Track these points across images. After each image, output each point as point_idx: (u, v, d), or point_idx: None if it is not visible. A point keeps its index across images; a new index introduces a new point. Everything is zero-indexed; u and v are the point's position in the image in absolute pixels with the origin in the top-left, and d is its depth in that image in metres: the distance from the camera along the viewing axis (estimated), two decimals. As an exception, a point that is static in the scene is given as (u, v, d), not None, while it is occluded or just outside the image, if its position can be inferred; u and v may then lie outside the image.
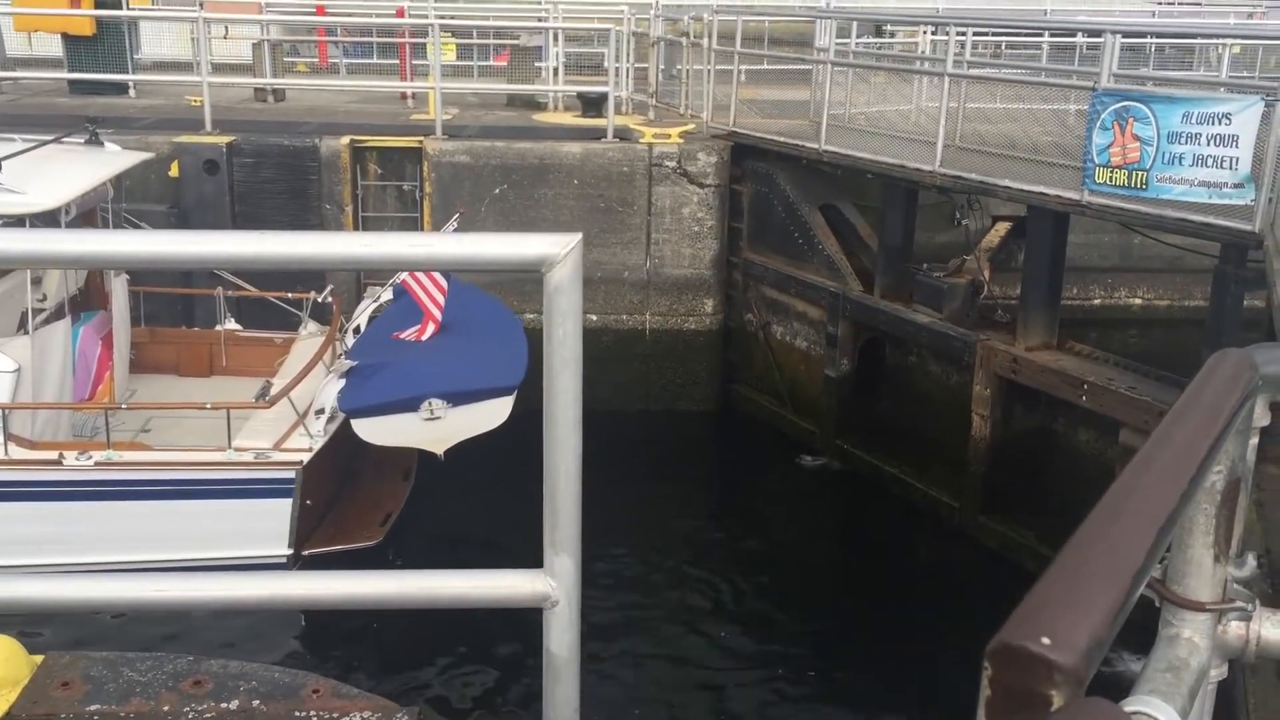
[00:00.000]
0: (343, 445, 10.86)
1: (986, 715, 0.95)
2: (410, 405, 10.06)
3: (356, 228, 14.69)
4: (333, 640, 10.63)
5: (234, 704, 2.64)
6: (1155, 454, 1.23)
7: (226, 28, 20.88)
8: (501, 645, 10.62)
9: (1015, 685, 0.90)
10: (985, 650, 0.94)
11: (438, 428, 10.12)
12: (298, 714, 2.59)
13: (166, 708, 2.62)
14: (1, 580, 1.89)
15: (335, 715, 2.60)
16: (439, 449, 10.28)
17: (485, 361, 10.66)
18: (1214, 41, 19.39)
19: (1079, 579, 0.99)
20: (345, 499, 11.77)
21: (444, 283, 10.90)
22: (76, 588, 1.91)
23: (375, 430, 10.26)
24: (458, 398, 10.11)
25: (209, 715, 2.58)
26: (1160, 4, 28.71)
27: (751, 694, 10.71)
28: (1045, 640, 0.90)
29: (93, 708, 2.61)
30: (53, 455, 10.39)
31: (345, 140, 14.83)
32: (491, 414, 10.18)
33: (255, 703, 2.65)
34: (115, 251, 1.88)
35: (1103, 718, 0.91)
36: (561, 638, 1.92)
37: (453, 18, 21.97)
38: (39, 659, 2.78)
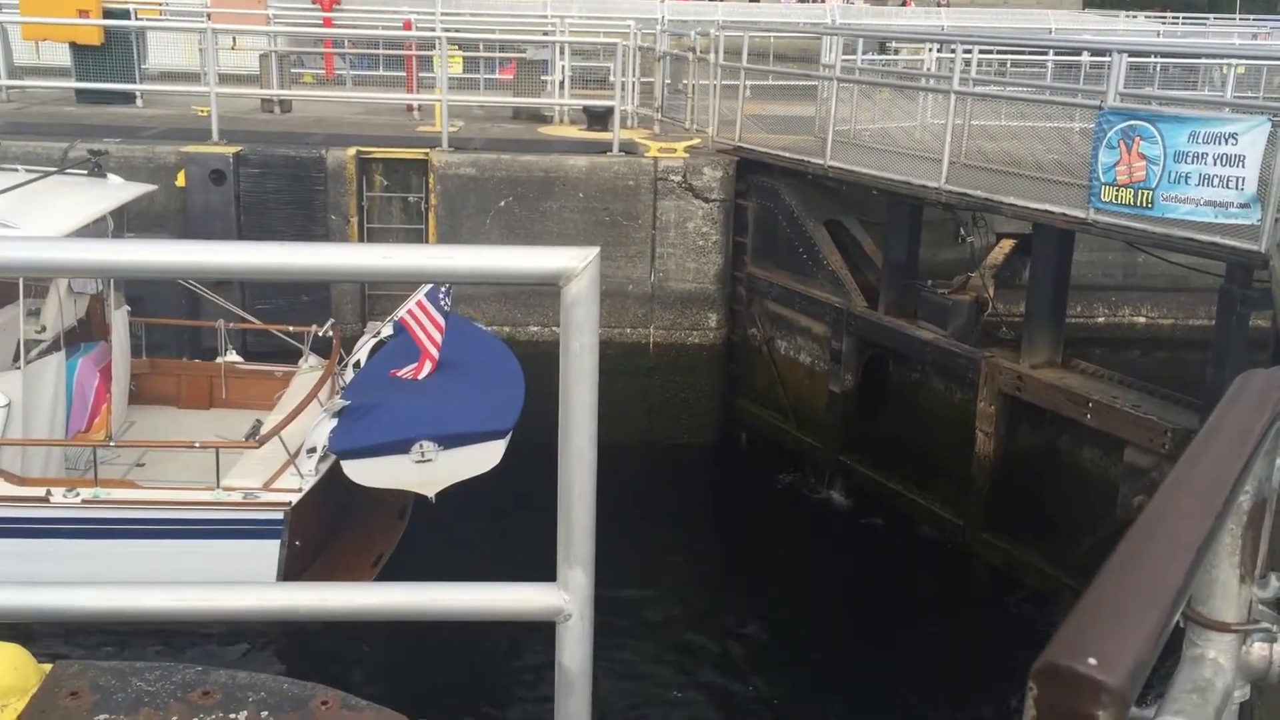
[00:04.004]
0: (336, 484, 10.71)
1: (1031, 736, 0.94)
2: (401, 447, 9.94)
3: (362, 239, 14.68)
4: (342, 652, 10.59)
5: (242, 715, 2.63)
6: (1188, 475, 1.22)
7: (234, 38, 20.94)
8: (512, 658, 10.58)
9: (1061, 706, 0.90)
10: (1031, 670, 0.94)
11: (429, 470, 10.00)
12: (306, 726, 2.59)
13: (175, 718, 2.61)
14: (12, 589, 1.88)
15: (343, 728, 2.59)
16: (430, 491, 10.18)
17: (479, 403, 10.55)
18: (1219, 61, 19.43)
19: (1121, 600, 0.99)
20: (338, 538, 11.61)
21: (442, 321, 10.79)
22: (88, 596, 1.89)
23: (365, 472, 10.14)
24: (449, 440, 10.00)
25: (217, 726, 2.57)
26: (1165, 23, 28.79)
27: (759, 709, 10.69)
28: (1092, 660, 0.89)
29: (101, 717, 2.60)
30: (40, 492, 10.30)
31: (351, 151, 14.86)
32: (483, 458, 10.08)
33: (264, 714, 2.64)
34: (130, 260, 1.86)
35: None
36: (574, 651, 1.91)
37: (459, 30, 22.06)
38: (47, 668, 2.77)
